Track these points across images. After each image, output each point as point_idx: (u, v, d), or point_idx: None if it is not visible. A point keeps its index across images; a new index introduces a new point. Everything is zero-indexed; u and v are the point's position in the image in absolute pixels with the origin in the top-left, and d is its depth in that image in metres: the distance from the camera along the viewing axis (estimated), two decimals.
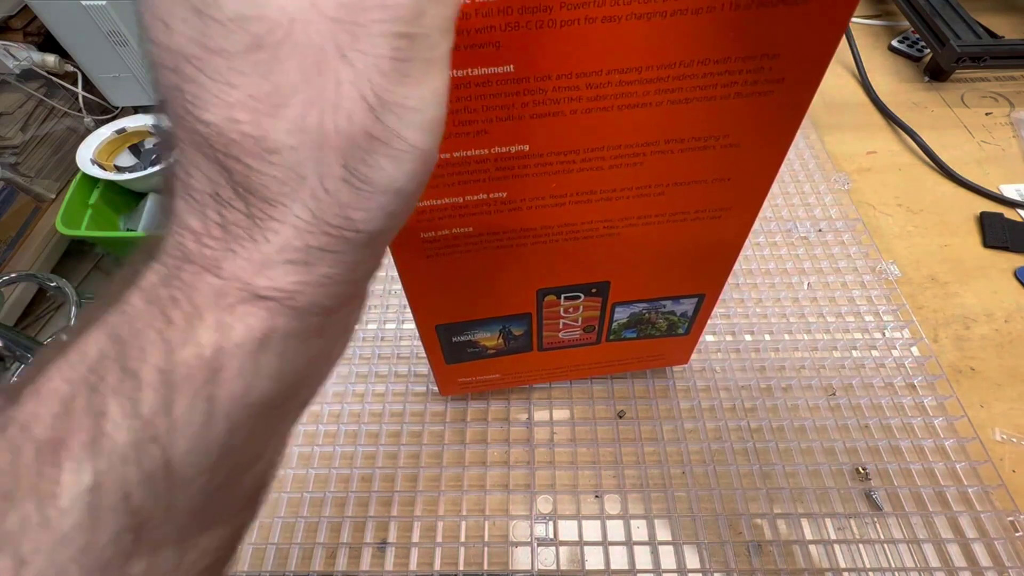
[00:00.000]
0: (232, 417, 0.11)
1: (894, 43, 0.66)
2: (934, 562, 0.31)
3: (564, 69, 0.16)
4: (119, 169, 1.14)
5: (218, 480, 0.12)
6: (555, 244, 0.24)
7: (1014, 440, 0.36)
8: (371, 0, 0.10)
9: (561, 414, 0.38)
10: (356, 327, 0.15)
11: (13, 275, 1.02)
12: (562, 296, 0.28)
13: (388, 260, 0.21)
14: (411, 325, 0.42)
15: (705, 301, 0.31)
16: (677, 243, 0.25)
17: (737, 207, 0.24)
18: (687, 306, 0.31)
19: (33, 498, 0.10)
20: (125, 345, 0.11)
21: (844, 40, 0.63)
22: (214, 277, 0.11)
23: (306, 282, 0.11)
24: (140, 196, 1.19)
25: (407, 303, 0.27)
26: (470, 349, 0.31)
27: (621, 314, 0.31)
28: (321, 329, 0.12)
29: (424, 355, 0.28)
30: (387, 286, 0.45)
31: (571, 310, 0.29)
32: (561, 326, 0.31)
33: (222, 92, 0.10)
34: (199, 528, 0.12)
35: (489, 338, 0.31)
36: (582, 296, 0.28)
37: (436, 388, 0.37)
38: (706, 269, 0.28)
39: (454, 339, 0.30)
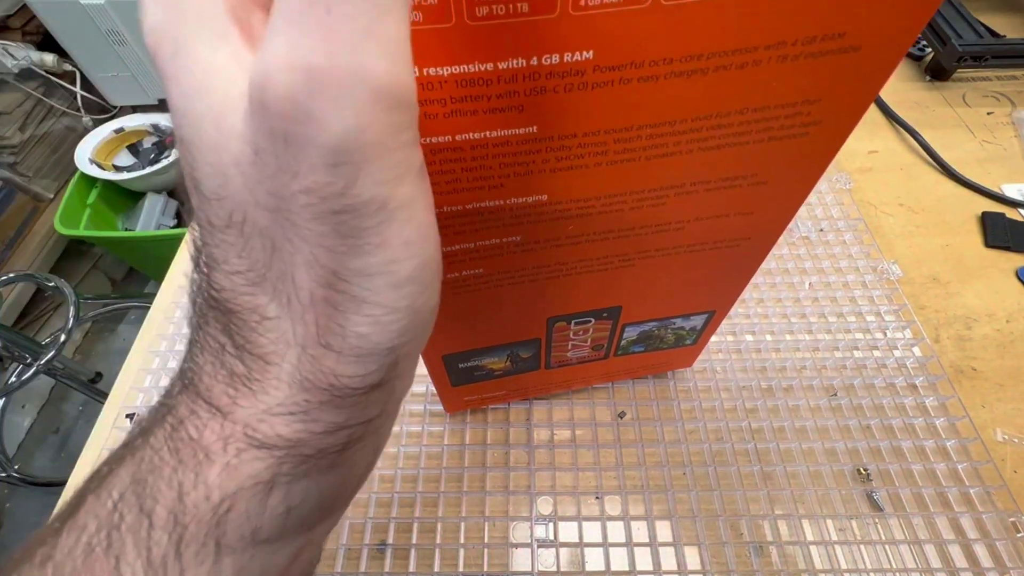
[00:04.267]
0: (242, 556, 0.12)
1: None
2: (936, 563, 0.31)
3: (592, 127, 0.15)
4: (117, 168, 1.14)
5: None
6: (568, 278, 0.23)
7: (1016, 440, 0.36)
8: (295, 184, 0.09)
9: (561, 415, 0.37)
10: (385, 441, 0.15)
11: (11, 275, 1.01)
12: (572, 322, 0.27)
13: None
14: None
15: (715, 316, 0.30)
16: (693, 270, 0.24)
17: (757, 237, 0.23)
18: (697, 322, 0.30)
19: None
20: (144, 485, 0.11)
21: None
22: (222, 422, 0.11)
23: (310, 431, 0.12)
24: (139, 195, 1.18)
25: None
26: (477, 373, 0.31)
27: (631, 332, 0.30)
28: (333, 465, 0.13)
29: (424, 363, 0.28)
30: None
31: (580, 333, 0.29)
32: (570, 347, 0.30)
33: (221, 260, 0.11)
34: None
35: (496, 362, 0.30)
36: (592, 320, 0.28)
37: (434, 387, 0.37)
38: (720, 290, 0.28)
39: (460, 365, 0.29)
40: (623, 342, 0.31)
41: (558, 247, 0.20)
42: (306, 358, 0.11)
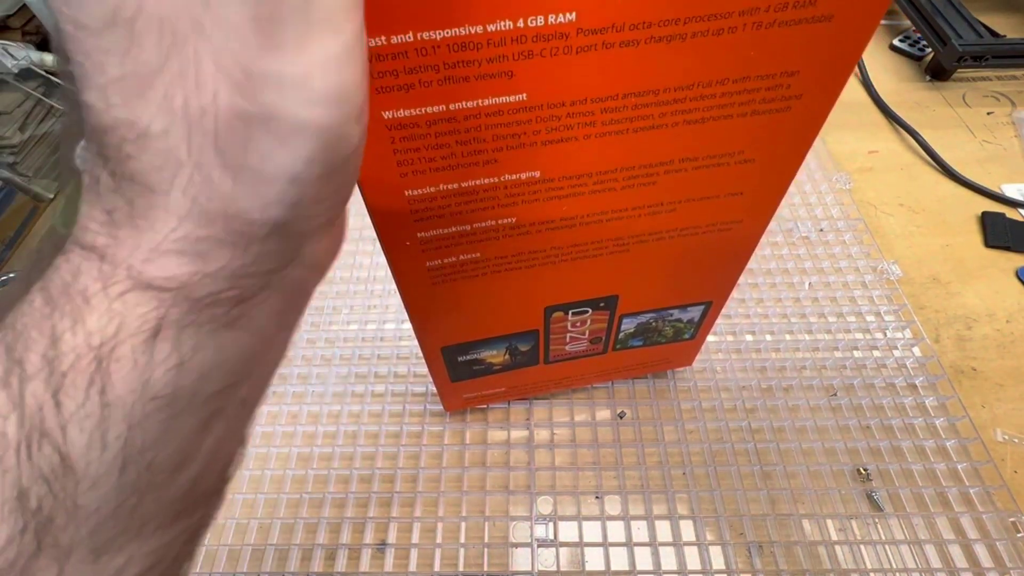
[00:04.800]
0: (134, 412, 0.10)
1: (895, 42, 0.65)
2: (936, 563, 0.31)
3: (579, 95, 0.16)
4: None
5: (134, 480, 0.11)
6: (564, 263, 0.23)
7: (1016, 440, 0.36)
8: None
9: (561, 415, 0.37)
10: (298, 324, 0.14)
11: (11, 275, 1.01)
12: (570, 312, 0.27)
13: (382, 260, 0.21)
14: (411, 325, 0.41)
15: (712, 307, 0.30)
16: (687, 255, 0.25)
17: (748, 219, 0.23)
18: (694, 313, 0.31)
19: None
20: (12, 331, 0.10)
21: None
22: (101, 263, 0.10)
23: (203, 272, 0.10)
24: None
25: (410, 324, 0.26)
26: (476, 367, 0.31)
27: (628, 324, 0.30)
28: (233, 322, 0.12)
29: (417, 341, 0.28)
30: (386, 286, 0.44)
31: (578, 324, 0.29)
32: (568, 339, 0.30)
33: (92, 71, 0.09)
34: (122, 532, 0.11)
35: (495, 355, 0.30)
36: (590, 311, 0.28)
37: (434, 385, 0.37)
38: (715, 278, 0.28)
39: (459, 358, 0.30)
40: (621, 335, 0.31)
41: (552, 230, 0.21)
42: (200, 178, 0.10)
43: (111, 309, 0.10)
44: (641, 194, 0.20)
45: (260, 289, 0.12)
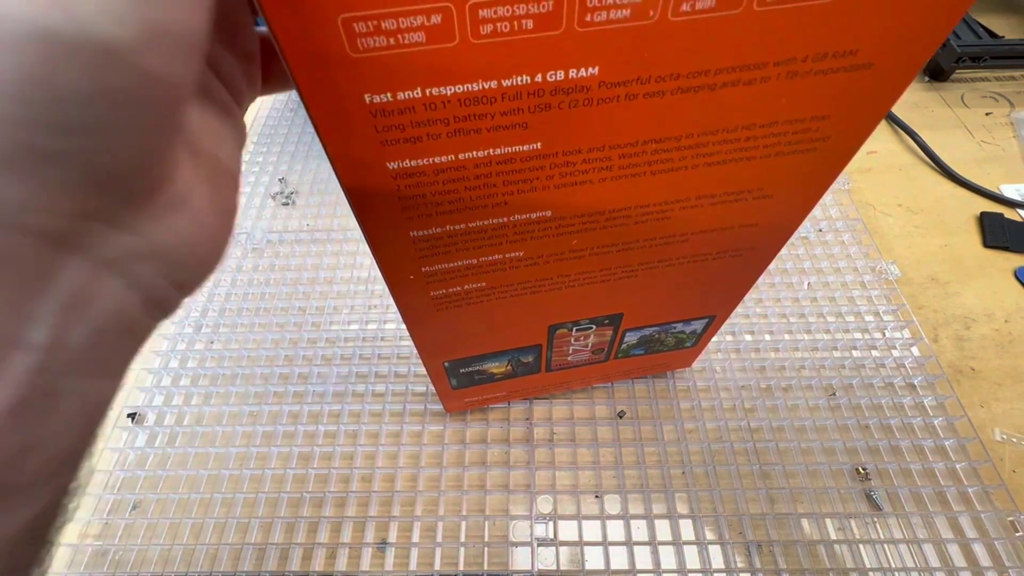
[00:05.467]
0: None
1: None
2: (934, 562, 0.31)
3: (596, 143, 0.15)
4: None
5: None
6: (571, 289, 0.23)
7: (1014, 440, 0.36)
8: None
9: (561, 414, 0.38)
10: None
11: None
12: (574, 328, 0.27)
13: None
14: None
15: (716, 321, 0.30)
16: (696, 278, 0.24)
17: (760, 247, 0.23)
18: (697, 326, 0.31)
19: None
20: None
21: None
22: None
23: None
24: None
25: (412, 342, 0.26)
26: (478, 376, 0.31)
27: (631, 337, 0.30)
28: None
29: (424, 368, 0.28)
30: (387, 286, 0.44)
31: (581, 339, 0.29)
32: (571, 351, 0.30)
33: None
34: None
35: (498, 367, 0.30)
36: (594, 327, 0.28)
37: (434, 388, 0.37)
38: (721, 297, 0.28)
39: (462, 370, 0.30)
40: (623, 346, 0.31)
41: (561, 261, 0.20)
42: None
43: None
44: (654, 228, 0.20)
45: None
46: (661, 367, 0.37)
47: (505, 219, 0.17)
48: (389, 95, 0.12)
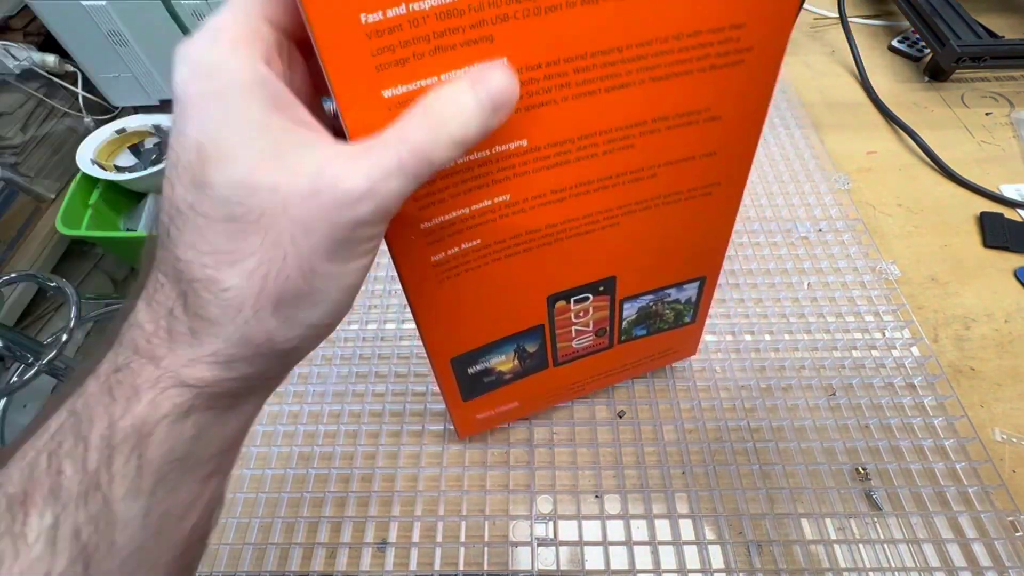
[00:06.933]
0: (160, 471, 0.14)
1: (894, 43, 0.66)
2: (934, 562, 0.31)
3: (552, 55, 0.17)
4: (119, 169, 1.14)
5: (153, 524, 0.15)
6: (560, 243, 0.24)
7: (1014, 440, 0.36)
8: (335, 206, 0.14)
9: (561, 415, 0.38)
10: (262, 409, 0.18)
11: (13, 275, 1.01)
12: (572, 300, 0.28)
13: (387, 260, 0.22)
14: (411, 325, 0.42)
15: (707, 284, 0.31)
16: (674, 226, 0.26)
17: (725, 182, 0.25)
18: (690, 291, 0.31)
19: (8, 536, 0.13)
20: (79, 418, 0.14)
21: (844, 40, 0.63)
22: (154, 368, 0.14)
23: (225, 378, 0.15)
24: (140, 196, 1.19)
25: (419, 335, 0.27)
26: (486, 379, 0.31)
27: (629, 310, 0.31)
28: (234, 407, 0.16)
29: (425, 354, 0.28)
30: (387, 286, 0.45)
31: (581, 314, 0.29)
32: (573, 333, 0.31)
33: (196, 242, 0.14)
34: (139, 566, 0.15)
35: (504, 362, 0.30)
36: (591, 297, 0.28)
37: (438, 390, 0.37)
38: (704, 250, 0.29)
39: (469, 371, 0.30)
40: (624, 323, 0.31)
41: (544, 205, 0.22)
42: (255, 321, 0.14)
43: (155, 400, 0.14)
44: (621, 159, 0.22)
45: (257, 390, 0.17)
46: (669, 355, 0.37)
47: (488, 152, 0.19)
48: (381, 13, 0.14)
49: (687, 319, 0.33)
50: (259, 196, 0.13)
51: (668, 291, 0.31)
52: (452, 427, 0.37)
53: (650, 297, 0.31)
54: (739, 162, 0.24)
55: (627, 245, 0.26)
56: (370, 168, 0.14)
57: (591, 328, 0.31)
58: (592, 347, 0.32)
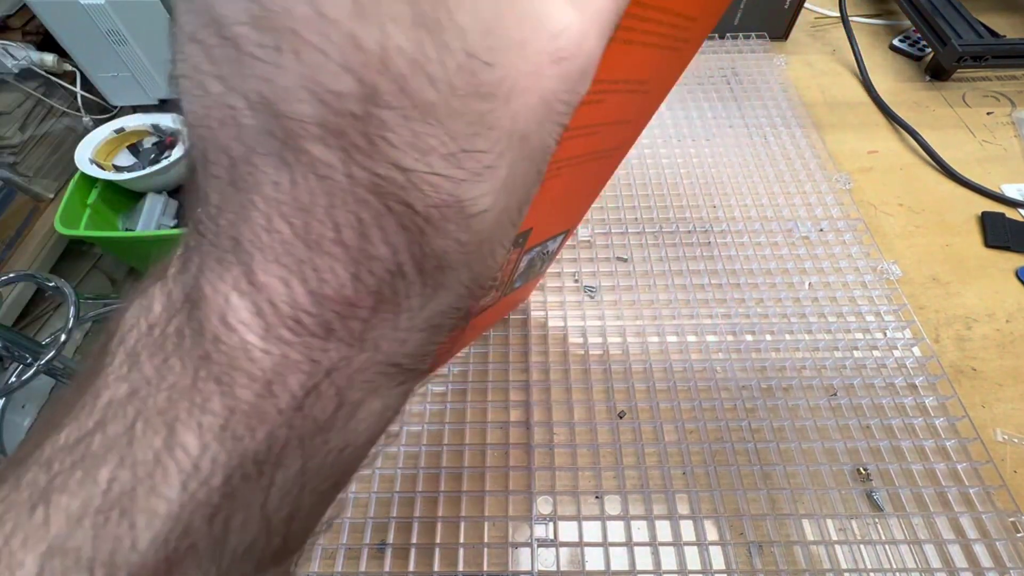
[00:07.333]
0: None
1: (895, 42, 0.65)
2: (935, 563, 0.31)
3: None
4: (118, 169, 1.14)
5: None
6: None
7: (1015, 440, 0.36)
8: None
9: (560, 415, 0.37)
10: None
11: (11, 275, 1.01)
12: None
13: None
14: None
15: (566, 237, 0.33)
16: (587, 181, 0.28)
17: (624, 147, 0.27)
18: (557, 242, 0.33)
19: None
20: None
21: (845, 39, 0.63)
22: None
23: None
24: (139, 196, 1.18)
25: None
26: None
27: (523, 263, 0.31)
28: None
29: None
30: None
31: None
32: None
33: (421, 137, 0.08)
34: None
35: None
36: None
37: (436, 390, 0.37)
38: (585, 205, 0.31)
39: None
40: (515, 277, 0.32)
41: None
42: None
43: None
44: (589, 112, 0.22)
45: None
46: (512, 307, 0.39)
47: None
48: None
49: (538, 268, 0.35)
50: (510, 55, 0.08)
51: (547, 243, 0.31)
52: (452, 427, 0.37)
53: (538, 249, 0.31)
54: (637, 131, 0.27)
55: (550, 197, 0.27)
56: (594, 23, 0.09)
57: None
58: (489, 303, 0.32)
